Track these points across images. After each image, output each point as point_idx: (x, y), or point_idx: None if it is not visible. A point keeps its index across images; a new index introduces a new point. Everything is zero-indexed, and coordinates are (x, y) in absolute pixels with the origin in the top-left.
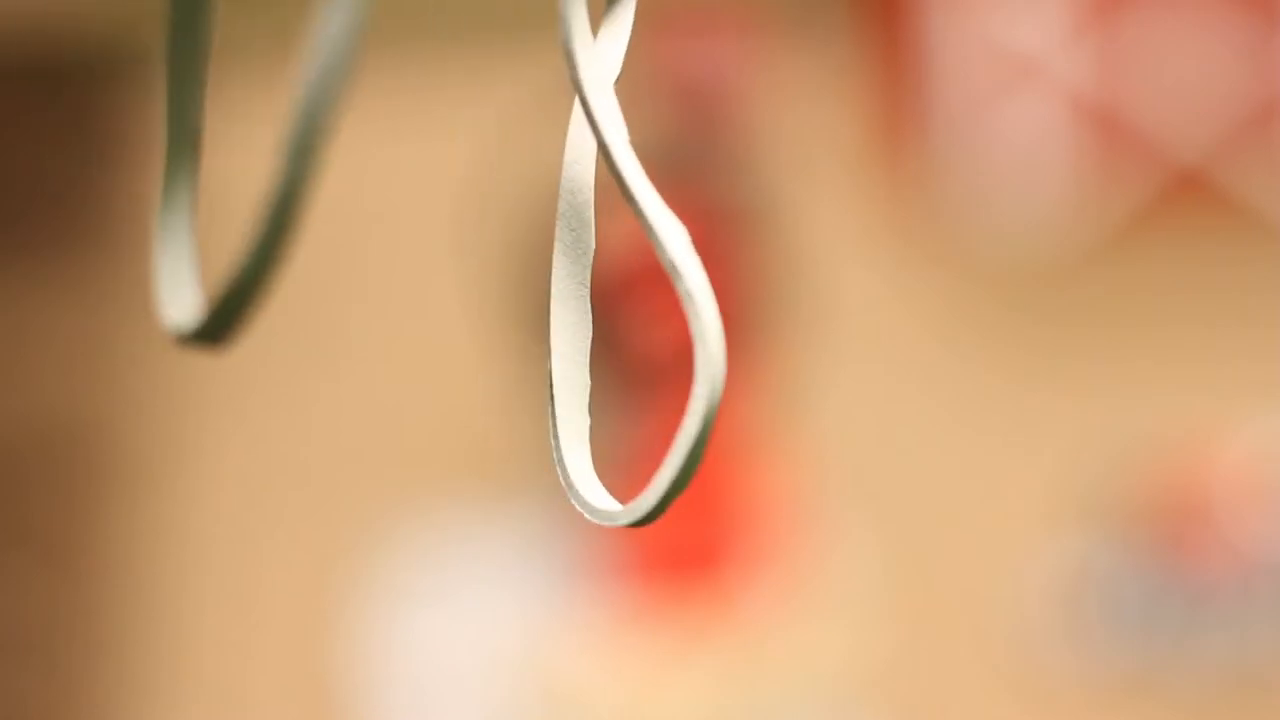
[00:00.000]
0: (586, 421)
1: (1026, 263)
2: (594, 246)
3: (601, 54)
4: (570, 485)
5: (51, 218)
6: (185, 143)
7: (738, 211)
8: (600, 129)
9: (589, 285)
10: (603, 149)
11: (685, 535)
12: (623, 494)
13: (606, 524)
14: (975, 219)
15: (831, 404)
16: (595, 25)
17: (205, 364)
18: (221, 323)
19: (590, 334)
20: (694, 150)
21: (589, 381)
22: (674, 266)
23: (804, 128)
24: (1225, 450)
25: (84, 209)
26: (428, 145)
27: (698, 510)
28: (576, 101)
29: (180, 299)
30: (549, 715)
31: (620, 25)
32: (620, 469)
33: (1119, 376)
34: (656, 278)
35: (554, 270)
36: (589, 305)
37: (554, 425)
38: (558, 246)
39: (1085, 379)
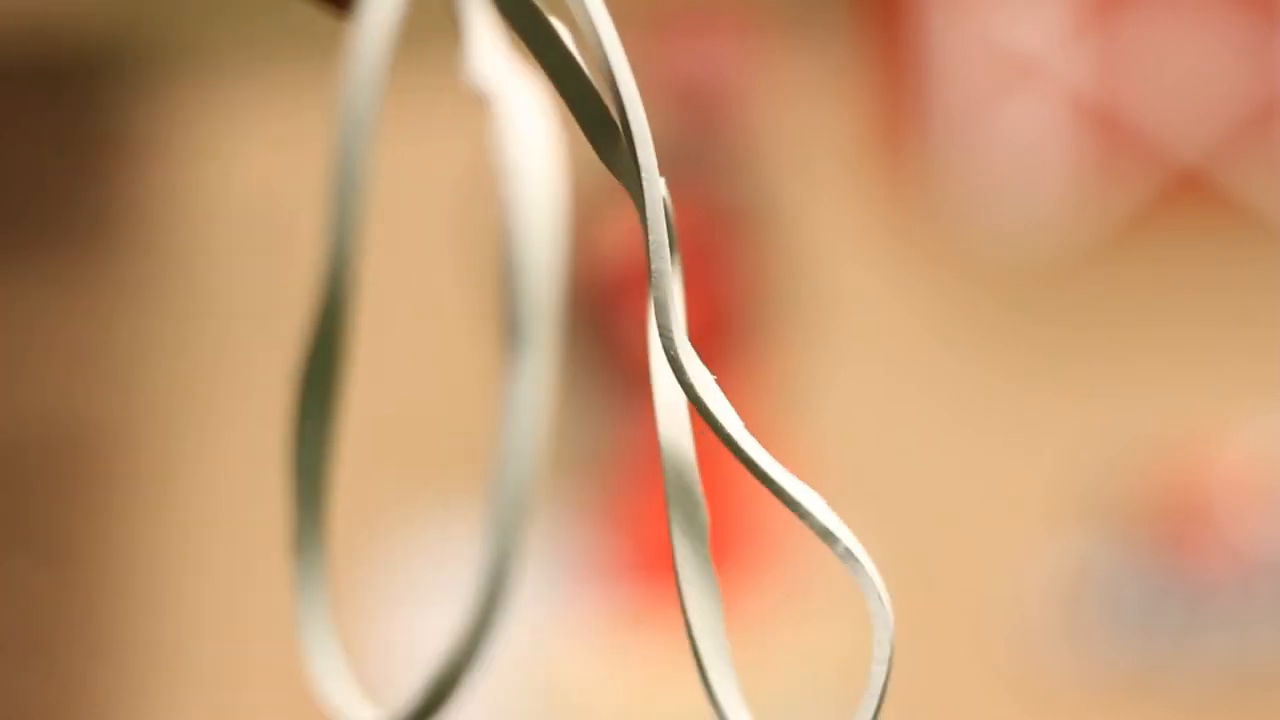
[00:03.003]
0: (736, 681)
1: (1026, 263)
2: (707, 520)
3: (678, 315)
4: None
5: (51, 218)
6: (313, 530)
7: (738, 211)
8: (712, 414)
9: (709, 556)
10: (717, 431)
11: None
12: (620, 498)
13: None
14: (975, 219)
15: (831, 404)
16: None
17: (205, 364)
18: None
19: (721, 603)
20: (694, 150)
21: (728, 646)
22: (829, 532)
23: (804, 128)
24: (1225, 450)
25: (84, 209)
26: (428, 145)
27: None
28: (658, 371)
29: (347, 697)
30: (549, 715)
31: (678, 284)
32: (617, 471)
33: (1119, 376)
34: None
35: (675, 551)
36: (714, 577)
37: (711, 694)
38: (673, 528)
39: (1085, 379)
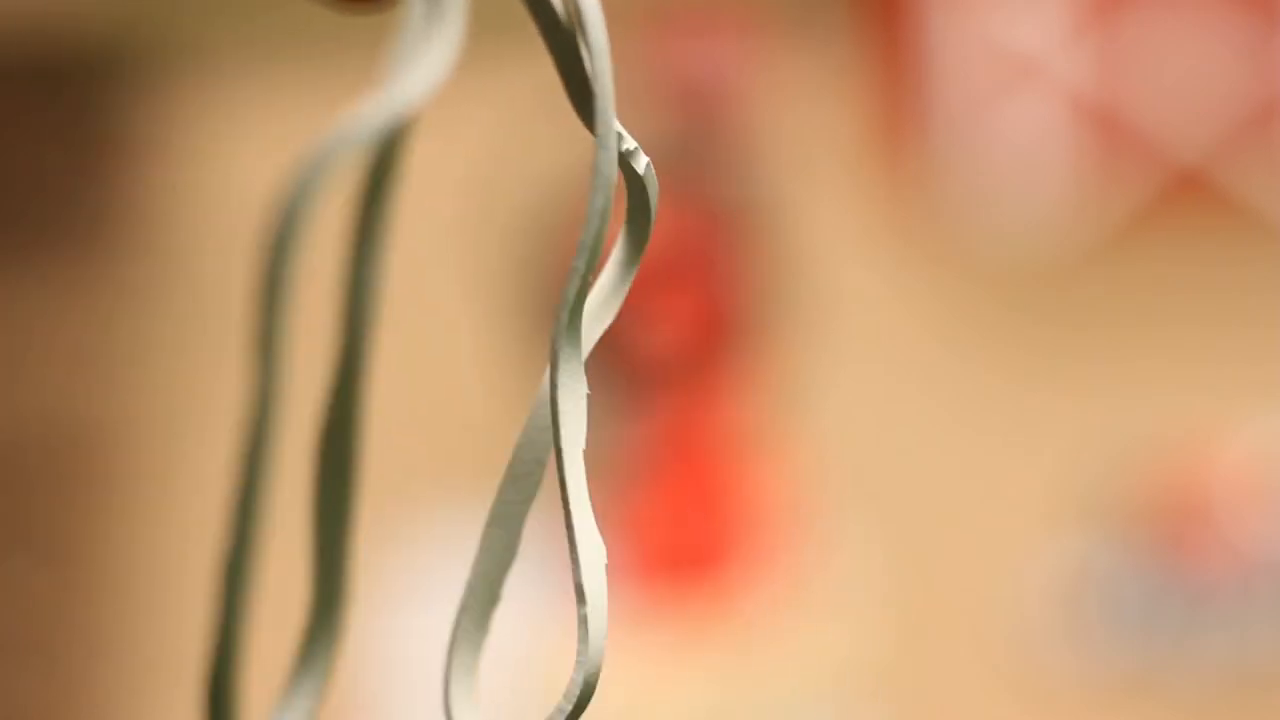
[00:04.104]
0: (484, 639)
1: (1026, 263)
2: (533, 496)
3: (588, 330)
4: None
5: (51, 218)
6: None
7: (737, 211)
8: (559, 412)
9: (526, 513)
10: (555, 429)
11: (685, 535)
12: (618, 500)
13: None
14: (975, 219)
15: (831, 404)
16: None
17: (205, 364)
18: None
19: (513, 561)
20: (694, 150)
21: (499, 599)
22: (581, 590)
23: (804, 128)
24: (1225, 450)
25: (84, 209)
26: (428, 145)
27: (698, 510)
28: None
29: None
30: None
31: (613, 298)
32: (617, 472)
33: (1119, 376)
34: (656, 278)
35: (497, 492)
36: (521, 532)
37: (450, 650)
38: (506, 474)
39: (1085, 379)
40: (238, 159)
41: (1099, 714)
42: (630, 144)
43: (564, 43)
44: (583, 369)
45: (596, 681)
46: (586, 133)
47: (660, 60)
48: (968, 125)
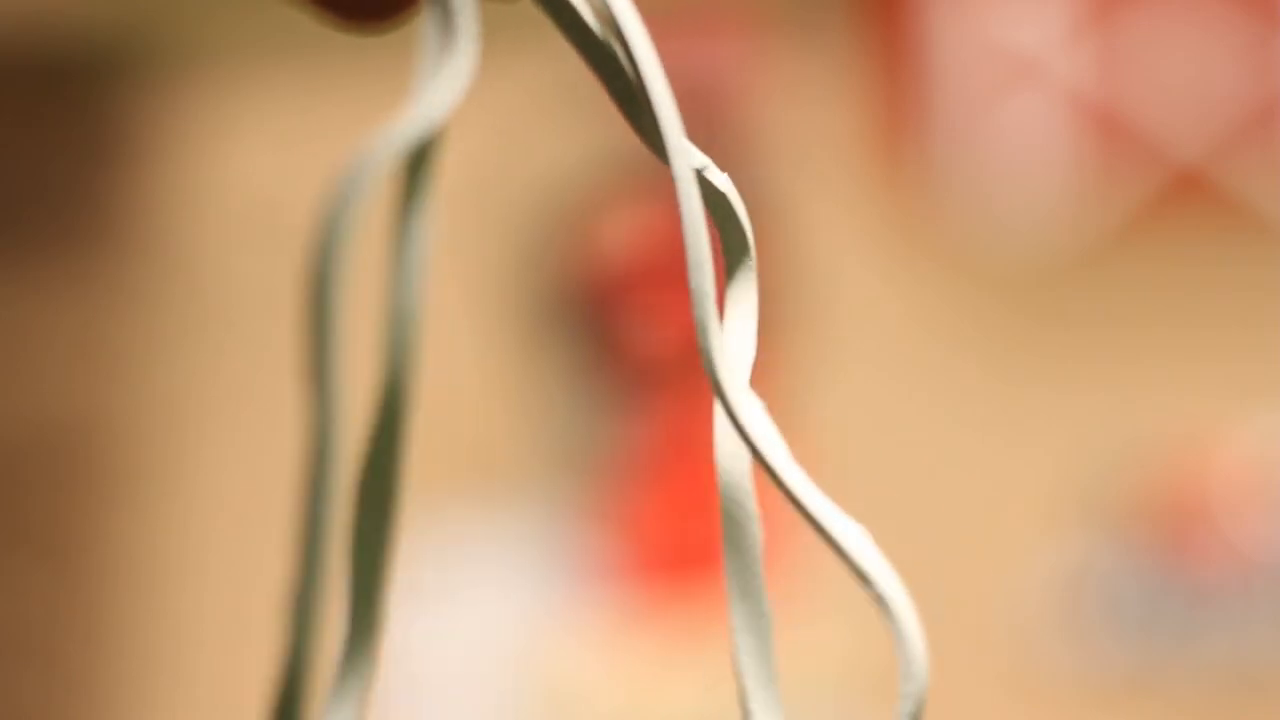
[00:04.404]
0: (780, 708)
1: (1026, 262)
2: (760, 538)
3: (734, 347)
4: None
5: (51, 217)
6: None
7: None
8: (751, 439)
9: (762, 575)
10: (757, 457)
11: (685, 535)
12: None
13: None
14: (975, 219)
15: (831, 403)
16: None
17: (205, 364)
18: None
19: (772, 627)
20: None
21: (775, 672)
22: (864, 574)
23: (804, 128)
24: (1225, 450)
25: (84, 209)
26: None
27: (698, 510)
28: (718, 404)
29: None
30: (549, 715)
31: (745, 309)
32: (618, 472)
33: (1119, 376)
34: (657, 277)
35: (725, 567)
36: (766, 599)
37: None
38: (725, 545)
39: (1085, 379)
40: (238, 159)
41: (1099, 714)
42: (702, 160)
43: (605, 61)
44: (749, 388)
45: (926, 658)
46: (585, 133)
47: (660, 60)
48: (968, 125)
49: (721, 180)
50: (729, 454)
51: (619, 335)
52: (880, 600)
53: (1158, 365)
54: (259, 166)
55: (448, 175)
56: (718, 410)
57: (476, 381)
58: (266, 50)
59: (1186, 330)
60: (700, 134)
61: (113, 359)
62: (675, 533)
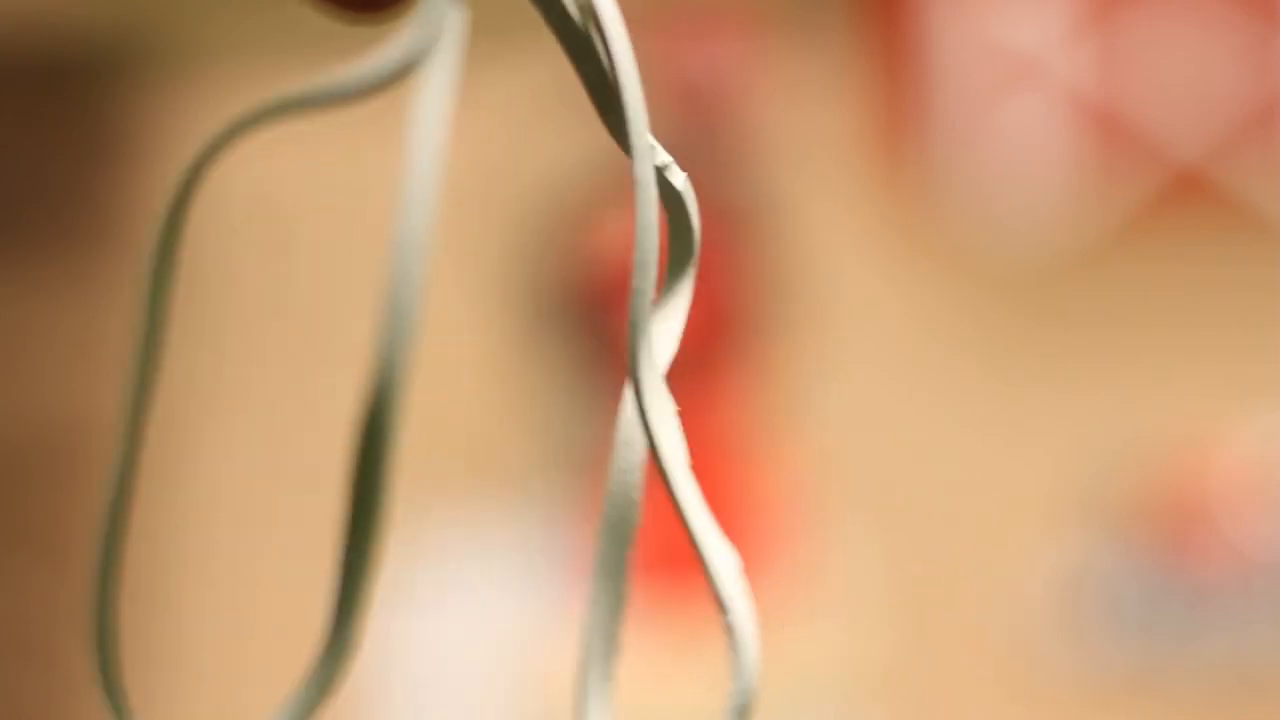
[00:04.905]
0: (609, 686)
1: (1026, 263)
2: (638, 524)
3: (660, 344)
4: None
5: (51, 217)
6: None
7: (737, 211)
8: (654, 433)
9: (629, 563)
10: (653, 450)
11: (683, 535)
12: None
13: None
14: (975, 219)
15: (832, 403)
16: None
17: (205, 364)
18: None
19: (625, 611)
20: (693, 150)
21: (617, 650)
22: (720, 597)
23: (804, 128)
24: (1225, 450)
25: (84, 209)
26: None
27: None
28: (629, 388)
29: None
30: (547, 715)
31: (678, 309)
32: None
33: (1119, 376)
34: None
35: (596, 546)
36: (627, 584)
37: (582, 691)
38: (601, 524)
39: (1085, 379)
40: (237, 159)
41: (1099, 714)
42: (664, 158)
43: (582, 51)
44: (665, 387)
45: (755, 691)
46: (585, 133)
47: (660, 60)
48: (968, 125)
49: (680, 180)
50: (626, 440)
51: (618, 335)
52: (728, 629)
53: (1158, 365)
54: (259, 166)
55: (448, 175)
56: (627, 396)
57: (475, 380)
58: (266, 50)
59: (1186, 330)
60: (700, 134)
61: (113, 359)
62: (675, 533)
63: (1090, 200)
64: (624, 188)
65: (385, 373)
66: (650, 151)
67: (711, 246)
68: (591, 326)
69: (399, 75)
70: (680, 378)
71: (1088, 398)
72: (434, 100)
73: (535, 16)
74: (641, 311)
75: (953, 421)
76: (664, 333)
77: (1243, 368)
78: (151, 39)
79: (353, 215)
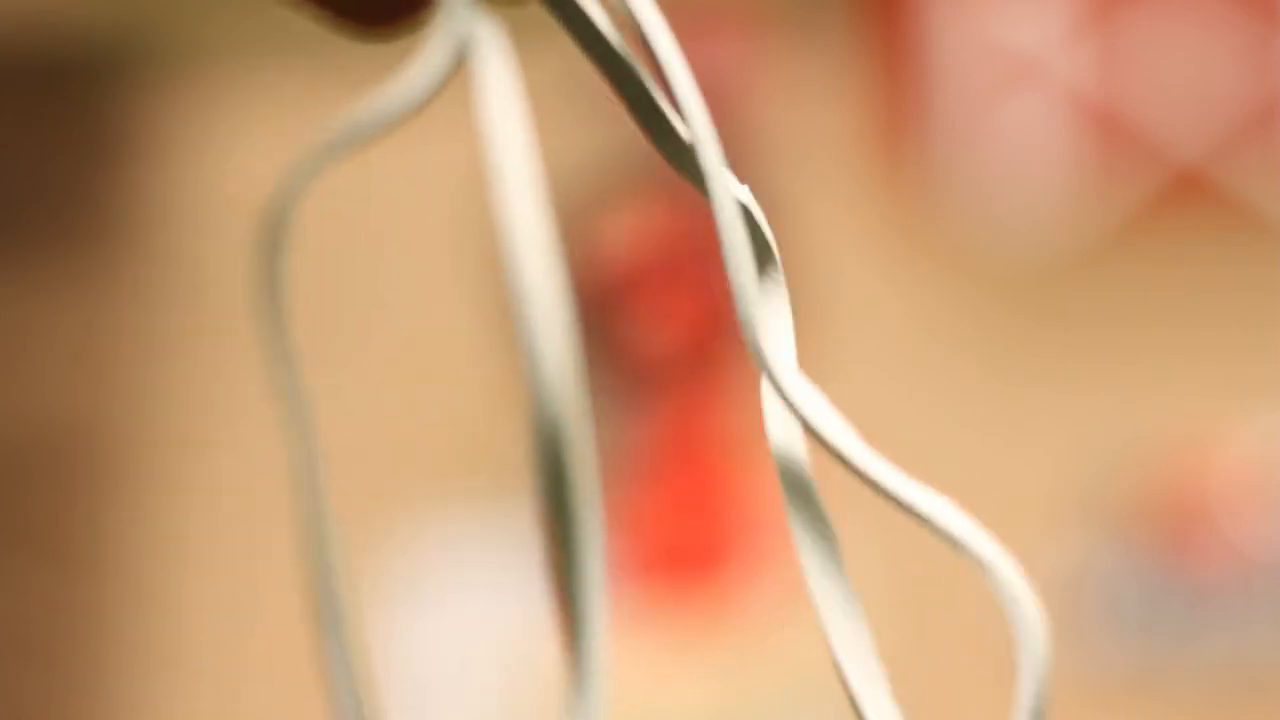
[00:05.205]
0: (887, 689)
1: (1026, 262)
2: (834, 534)
3: (776, 335)
4: None
5: (51, 217)
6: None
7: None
8: (808, 419)
9: (840, 567)
10: (815, 437)
11: (685, 535)
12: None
13: None
14: (975, 218)
15: (831, 403)
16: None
17: (205, 364)
18: None
19: (860, 612)
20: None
21: (874, 654)
22: (958, 541)
23: (804, 128)
24: (1225, 450)
25: (84, 209)
26: (428, 146)
27: (697, 510)
28: (766, 387)
29: None
30: (547, 715)
31: (780, 305)
32: (618, 472)
33: (1119, 376)
34: (658, 277)
35: (802, 560)
36: (849, 589)
37: (857, 709)
38: (798, 537)
39: (1085, 379)
40: (237, 159)
41: (1099, 714)
42: (738, 187)
43: (621, 72)
44: (801, 375)
45: (1049, 695)
46: (588, 133)
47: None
48: (968, 125)
49: (745, 195)
50: (789, 454)
51: (621, 335)
52: (978, 562)
53: (1158, 365)
54: (259, 166)
55: (449, 175)
56: (765, 389)
57: (477, 380)
58: (266, 50)
59: (1186, 330)
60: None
61: (113, 359)
62: (675, 533)
63: (1090, 200)
64: (624, 188)
65: (551, 388)
66: (724, 173)
67: (711, 246)
68: (596, 326)
69: (443, 81)
70: (680, 378)
71: (1088, 398)
72: (499, 94)
73: (538, 17)
74: (749, 308)
75: (953, 421)
76: (779, 329)
77: (1243, 368)
78: (151, 39)
79: (351, 214)
